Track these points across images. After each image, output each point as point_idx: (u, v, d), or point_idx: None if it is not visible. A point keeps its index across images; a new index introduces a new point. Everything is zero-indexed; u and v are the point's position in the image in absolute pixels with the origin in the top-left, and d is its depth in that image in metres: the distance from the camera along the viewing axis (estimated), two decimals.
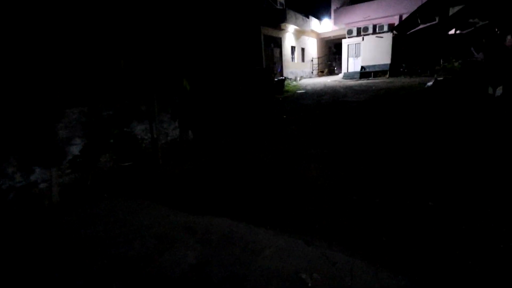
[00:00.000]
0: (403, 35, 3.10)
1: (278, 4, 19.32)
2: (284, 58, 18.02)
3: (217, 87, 6.79)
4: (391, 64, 15.94)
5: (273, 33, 16.65)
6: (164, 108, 4.37)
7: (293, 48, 19.55)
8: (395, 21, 17.61)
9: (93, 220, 2.47)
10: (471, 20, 2.87)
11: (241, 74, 9.99)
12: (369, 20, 18.28)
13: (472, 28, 2.88)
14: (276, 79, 11.97)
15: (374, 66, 16.56)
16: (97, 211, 2.64)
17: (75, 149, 3.24)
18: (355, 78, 16.69)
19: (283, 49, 17.89)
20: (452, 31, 3.18)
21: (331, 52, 26.78)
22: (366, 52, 16.87)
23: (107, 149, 3.56)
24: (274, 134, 5.14)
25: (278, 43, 17.40)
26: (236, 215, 2.36)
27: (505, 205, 2.10)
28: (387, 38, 15.80)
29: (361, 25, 17.40)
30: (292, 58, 19.63)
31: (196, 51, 5.15)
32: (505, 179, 2.52)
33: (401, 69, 15.24)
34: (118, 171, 3.65)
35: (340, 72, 19.28)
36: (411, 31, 3.01)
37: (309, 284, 1.53)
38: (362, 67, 17.03)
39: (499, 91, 4.05)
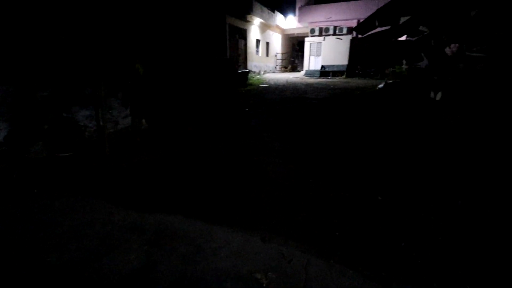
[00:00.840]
0: (358, 39, 3.19)
1: None
2: (248, 50, 17.83)
3: (178, 74, 6.39)
4: (348, 65, 16.84)
5: (239, 24, 16.32)
6: (114, 93, 3.94)
7: (258, 41, 19.44)
8: (354, 24, 18.55)
9: (17, 221, 2.09)
10: (420, 28, 3.06)
11: (204, 63, 9.59)
12: (330, 21, 19.00)
13: (421, 36, 3.08)
14: (240, 71, 11.75)
15: (333, 66, 17.32)
16: (23, 210, 2.25)
17: None
18: (316, 76, 17.30)
19: (248, 41, 17.68)
20: (403, 37, 3.36)
21: (294, 49, 27.34)
22: (326, 52, 17.54)
23: (40, 137, 3.07)
24: (236, 127, 5.02)
25: (243, 34, 17.13)
26: (191, 212, 2.20)
27: (441, 197, 2.30)
28: (346, 40, 16.61)
29: (323, 25, 17.99)
30: (257, 52, 19.54)
31: (155, 33, 4.73)
32: (441, 173, 2.76)
33: (357, 71, 16.20)
34: (55, 162, 3.19)
35: (302, 69, 19.79)
36: (367, 34, 3.11)
37: (264, 284, 1.47)
38: (322, 66, 17.69)
39: (439, 95, 4.48)
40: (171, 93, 5.20)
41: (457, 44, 5.17)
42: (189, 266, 1.61)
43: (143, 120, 4.50)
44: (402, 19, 3.24)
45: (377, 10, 2.76)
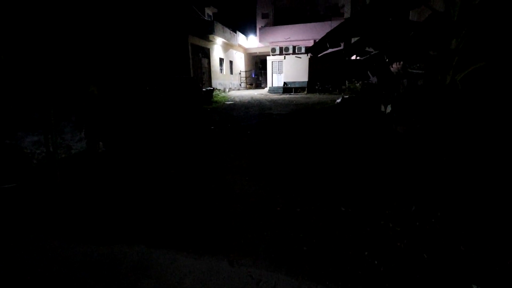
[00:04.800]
0: (316, 57, 3.39)
1: (207, 16, 19.38)
2: (212, 69, 17.98)
3: (138, 94, 6.16)
4: (308, 82, 17.80)
5: (202, 43, 16.47)
6: (66, 116, 3.65)
7: (221, 60, 19.73)
8: (311, 44, 19.84)
9: None
10: (367, 49, 3.36)
11: (166, 82, 9.40)
12: (289, 41, 20.10)
13: (368, 56, 3.38)
14: (204, 89, 11.73)
15: (294, 82, 18.17)
16: None
17: None
18: (279, 92, 17.96)
19: (211, 60, 17.85)
20: (354, 57, 3.66)
21: (258, 67, 28.24)
22: (287, 70, 18.40)
23: None
24: (200, 145, 4.92)
25: (206, 53, 17.28)
26: (154, 240, 2.06)
27: (396, 203, 2.45)
28: (305, 59, 17.63)
29: (283, 45, 18.95)
30: (221, 70, 19.78)
31: (113, 54, 4.55)
32: (393, 179, 2.96)
33: (316, 87, 17.16)
34: None
35: (266, 86, 20.43)
36: (321, 54, 3.33)
37: None
38: (285, 83, 18.47)
39: (388, 108, 4.90)
40: (131, 114, 4.97)
41: (401, 62, 5.77)
42: None
43: (100, 143, 4.20)
44: (353, 40, 3.55)
45: (327, 33, 2.97)
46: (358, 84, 11.85)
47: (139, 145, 4.80)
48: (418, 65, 5.01)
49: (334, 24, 18.24)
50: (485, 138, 2.74)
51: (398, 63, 6.25)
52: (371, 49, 3.45)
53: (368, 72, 3.39)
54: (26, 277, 1.69)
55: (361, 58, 3.47)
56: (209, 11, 20.02)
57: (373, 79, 5.10)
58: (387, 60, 3.28)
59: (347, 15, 19.60)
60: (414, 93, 4.21)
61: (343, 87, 14.85)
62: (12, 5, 2.85)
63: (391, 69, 6.09)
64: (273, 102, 12.30)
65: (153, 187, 3.07)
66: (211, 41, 17.39)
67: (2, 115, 3.03)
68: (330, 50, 3.38)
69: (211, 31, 16.38)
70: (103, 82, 3.83)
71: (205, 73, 17.04)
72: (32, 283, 1.65)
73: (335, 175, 3.25)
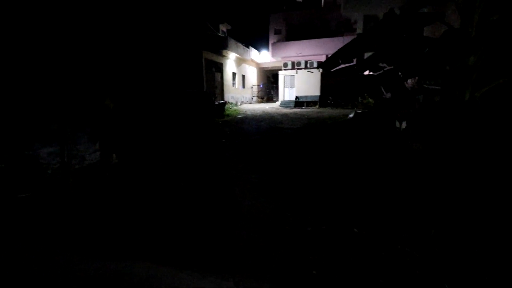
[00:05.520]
0: (328, 72, 3.38)
1: (221, 32, 20.03)
2: (225, 83, 18.36)
3: (152, 107, 6.31)
4: (320, 96, 17.80)
5: (215, 58, 16.93)
6: (82, 128, 3.76)
7: (234, 74, 20.15)
8: (323, 59, 20.00)
9: None
10: (380, 64, 3.32)
11: (180, 95, 9.63)
12: (302, 56, 20.35)
13: (382, 71, 3.33)
14: (217, 102, 11.93)
15: (306, 96, 18.21)
16: None
17: None
18: (290, 106, 18.01)
19: (224, 74, 18.26)
20: (366, 72, 3.62)
21: (270, 81, 28.62)
22: (299, 84, 18.51)
23: None
24: (211, 158, 4.92)
25: (219, 68, 17.72)
26: (160, 256, 2.02)
27: (413, 226, 2.32)
28: (317, 73, 17.73)
29: (295, 59, 19.20)
30: (233, 84, 20.15)
31: (127, 68, 4.71)
32: (410, 200, 2.82)
33: (328, 101, 17.11)
34: (10, 204, 2.86)
35: (278, 100, 20.59)
36: (334, 69, 3.32)
37: None
38: (296, 97, 18.54)
39: (404, 125, 4.77)
40: (144, 127, 5.07)
41: (416, 78, 5.66)
42: None
43: (114, 155, 4.28)
44: (366, 55, 3.52)
45: (339, 49, 2.96)
46: (371, 99, 11.72)
47: (151, 158, 4.86)
48: (433, 81, 4.90)
49: (347, 39, 18.41)
50: (508, 157, 2.58)
51: (413, 78, 6.14)
52: (384, 65, 3.41)
53: (382, 88, 3.33)
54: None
55: (375, 74, 3.43)
56: (223, 27, 20.71)
57: (387, 95, 5.02)
58: (401, 75, 3.22)
59: (359, 30, 19.72)
60: (430, 110, 4.09)
61: (356, 102, 14.73)
62: (32, 18, 3.02)
63: (406, 85, 5.99)
64: (285, 116, 12.31)
65: (162, 200, 3.06)
66: (224, 56, 17.86)
67: (23, 127, 3.15)
68: (342, 66, 3.36)
69: (225, 47, 16.86)
70: (118, 96, 3.95)
71: (217, 86, 17.41)
72: None
73: (348, 193, 3.14)
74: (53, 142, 3.45)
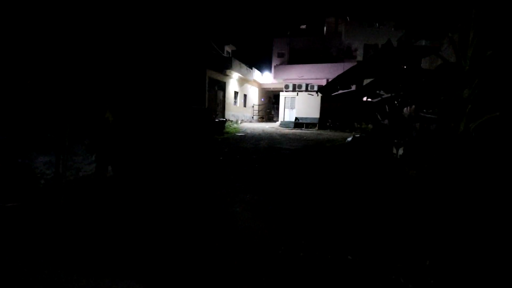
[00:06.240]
0: (328, 96, 3.45)
1: (225, 53, 20.68)
2: (227, 101, 18.66)
3: (151, 122, 6.36)
4: (319, 118, 18.05)
5: (218, 77, 17.33)
6: (80, 139, 3.76)
7: (236, 93, 20.54)
8: (323, 82, 20.46)
9: None
10: (378, 92, 3.40)
11: (181, 112, 9.75)
12: (303, 79, 20.84)
13: (379, 98, 3.41)
14: (217, 120, 12.05)
15: (306, 118, 18.47)
16: None
17: None
18: (290, 127, 18.20)
19: (226, 93, 18.60)
20: (365, 98, 3.70)
21: (271, 101, 29.13)
22: (300, 105, 18.84)
23: None
24: (208, 176, 4.89)
25: (222, 86, 18.09)
26: (148, 276, 1.94)
27: (412, 258, 2.26)
28: (317, 96, 18.06)
29: (297, 82, 19.66)
30: (235, 102, 20.48)
31: (129, 82, 4.80)
32: (405, 227, 2.78)
33: (328, 124, 17.33)
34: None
35: (278, 120, 20.85)
36: (333, 94, 3.39)
37: None
38: (296, 118, 18.80)
39: (400, 151, 4.80)
40: (143, 141, 5.08)
41: (412, 106, 5.78)
42: None
43: (109, 168, 4.25)
44: (366, 81, 3.62)
45: (338, 76, 3.05)
46: (369, 125, 11.86)
47: (147, 172, 4.82)
48: (430, 109, 5.01)
49: (347, 65, 18.98)
50: (499, 187, 2.58)
51: (410, 106, 6.27)
52: (382, 92, 3.49)
53: (378, 115, 3.39)
54: None
55: (373, 100, 3.51)
56: (228, 48, 21.41)
57: (385, 121, 5.10)
58: (397, 104, 3.29)
59: (359, 58, 20.42)
60: (426, 138, 4.14)
61: (355, 126, 14.92)
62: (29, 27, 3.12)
63: (403, 112, 6.10)
64: (284, 136, 12.40)
65: (153, 218, 3.00)
66: (227, 75, 18.30)
67: (19, 134, 3.15)
68: (340, 92, 3.44)
69: (229, 67, 17.32)
70: (118, 109, 4.00)
71: (219, 104, 17.67)
72: None
73: (342, 218, 3.09)
74: (50, 151, 3.44)
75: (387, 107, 3.35)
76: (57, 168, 3.42)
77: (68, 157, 3.49)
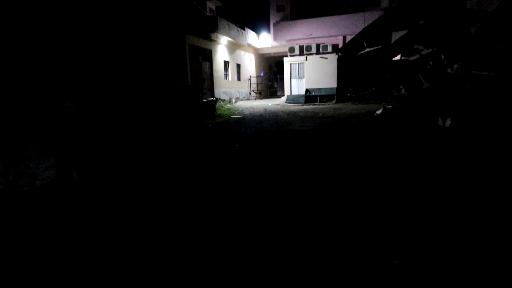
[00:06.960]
0: (347, 58, 3.36)
1: (208, 11, 20.20)
2: (215, 74, 18.44)
3: (124, 109, 6.31)
4: (337, 88, 17.85)
5: (202, 43, 17.04)
6: (32, 138, 3.72)
7: (226, 63, 20.27)
8: (339, 41, 20.17)
9: None
10: (416, 47, 3.31)
11: (159, 92, 9.66)
12: (312, 38, 20.48)
13: (418, 55, 3.32)
14: (205, 100, 11.96)
15: (320, 89, 18.25)
16: None
17: None
18: (300, 103, 18.03)
19: (214, 64, 18.36)
20: (398, 57, 3.61)
21: (273, 71, 28.78)
22: (310, 74, 18.57)
23: None
24: (200, 173, 4.88)
25: (208, 56, 17.83)
26: None
27: (475, 257, 2.25)
28: (332, 59, 17.80)
29: (304, 43, 19.31)
30: (226, 76, 20.26)
31: (92, 61, 4.71)
32: (465, 225, 2.77)
33: (349, 94, 17.18)
34: None
35: (283, 95, 20.66)
36: (358, 54, 3.30)
37: None
38: (307, 90, 18.58)
39: (448, 122, 4.74)
40: (113, 134, 5.05)
41: (460, 63, 5.67)
42: None
43: (74, 171, 4.23)
44: (394, 36, 3.52)
45: (364, 29, 2.95)
46: (405, 91, 11.75)
47: (122, 174, 4.81)
48: (485, 65, 4.90)
49: (368, 16, 18.60)
50: None
51: (457, 64, 6.15)
52: (421, 47, 3.40)
53: (420, 76, 3.31)
54: None
55: (409, 59, 3.42)
56: (211, 5, 20.90)
57: (426, 85, 5.03)
58: (445, 60, 3.20)
59: (384, 4, 19.96)
60: (483, 102, 4.07)
61: (384, 95, 14.79)
62: None
63: (450, 72, 5.99)
64: (293, 114, 12.34)
65: (132, 227, 3.00)
66: (214, 40, 17.99)
67: None
68: (366, 50, 3.35)
69: (214, 29, 17.01)
70: (80, 96, 3.93)
71: (206, 79, 17.49)
72: None
73: (387, 213, 3.08)
74: None
75: (430, 66, 3.26)
76: (6, 177, 3.40)
77: (19, 163, 3.47)
